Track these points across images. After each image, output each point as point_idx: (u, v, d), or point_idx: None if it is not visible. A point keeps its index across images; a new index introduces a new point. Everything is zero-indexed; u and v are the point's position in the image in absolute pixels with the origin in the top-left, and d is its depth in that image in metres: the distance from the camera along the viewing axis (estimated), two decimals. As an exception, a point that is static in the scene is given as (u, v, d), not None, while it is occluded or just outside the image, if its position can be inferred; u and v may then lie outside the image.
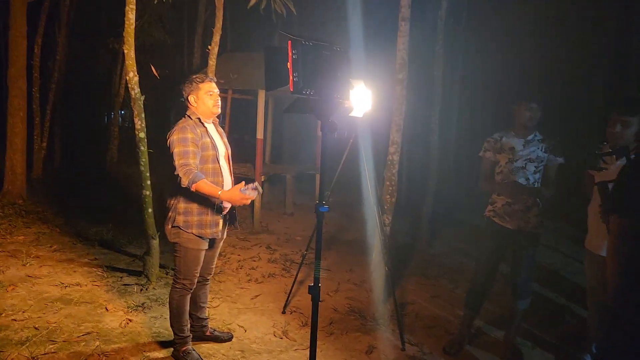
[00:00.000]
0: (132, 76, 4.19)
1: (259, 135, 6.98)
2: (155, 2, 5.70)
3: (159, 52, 12.30)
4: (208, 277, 3.33)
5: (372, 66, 5.96)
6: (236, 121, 11.56)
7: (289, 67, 2.03)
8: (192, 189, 2.79)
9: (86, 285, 4.27)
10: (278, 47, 2.16)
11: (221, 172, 3.01)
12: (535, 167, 3.31)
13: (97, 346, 3.22)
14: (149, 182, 4.33)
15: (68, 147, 11.67)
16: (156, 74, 5.77)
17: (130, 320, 3.63)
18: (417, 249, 6.11)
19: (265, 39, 12.19)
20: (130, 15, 4.16)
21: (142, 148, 4.24)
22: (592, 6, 9.50)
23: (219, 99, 3.08)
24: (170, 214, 3.00)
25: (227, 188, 3.05)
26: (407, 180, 8.96)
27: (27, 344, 3.16)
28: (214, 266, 3.34)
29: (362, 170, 3.74)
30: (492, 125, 9.67)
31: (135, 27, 4.26)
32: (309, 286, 2.25)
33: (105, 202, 7.53)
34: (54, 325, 3.46)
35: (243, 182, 2.80)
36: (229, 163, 3.16)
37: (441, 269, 5.61)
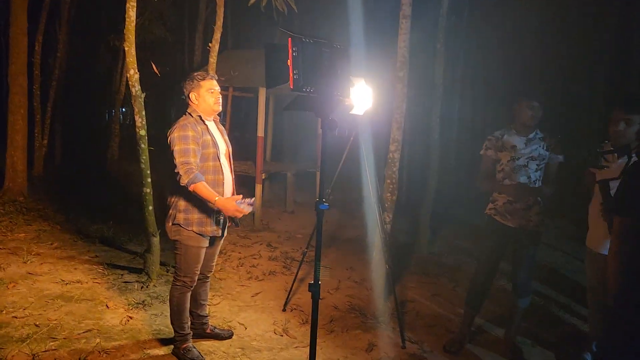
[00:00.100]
0: (133, 74, 4.18)
1: (260, 133, 6.97)
2: (156, -1, 5.70)
3: (159, 50, 12.30)
4: (208, 275, 3.33)
5: (372, 64, 5.95)
6: (237, 119, 11.57)
7: (289, 64, 2.03)
8: (189, 189, 2.80)
9: (87, 282, 4.27)
10: (278, 44, 2.15)
11: (222, 170, 3.01)
12: (537, 165, 3.30)
13: (97, 343, 3.22)
14: (149, 180, 4.33)
15: (69, 144, 11.68)
16: (157, 72, 5.76)
17: (130, 318, 3.64)
18: (417, 247, 6.11)
19: (266, 36, 12.18)
20: (131, 13, 4.16)
21: (142, 145, 4.24)
22: (593, 2, 9.47)
23: (220, 96, 3.08)
24: (170, 211, 3.00)
25: (228, 186, 3.07)
26: (407, 179, 8.95)
27: (28, 341, 3.17)
28: (214, 264, 3.34)
29: (363, 169, 3.73)
30: (493, 123, 9.65)
31: (136, 24, 4.26)
32: (309, 284, 2.25)
33: (106, 200, 7.53)
34: (54, 322, 3.47)
35: (241, 196, 2.87)
36: (230, 161, 3.16)
37: (442, 267, 5.61)
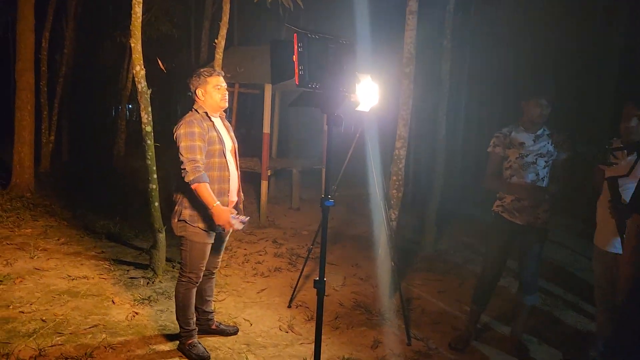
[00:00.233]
0: (139, 70, 4.19)
1: (266, 129, 6.96)
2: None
3: (166, 46, 12.29)
4: (214, 271, 3.34)
5: (379, 60, 5.92)
6: (243, 115, 11.57)
7: (294, 60, 2.02)
8: (191, 187, 2.80)
9: (93, 278, 4.29)
10: (284, 40, 2.14)
11: (228, 167, 3.01)
12: (545, 162, 3.28)
13: (103, 339, 3.24)
14: (155, 176, 4.34)
15: (75, 140, 11.74)
16: (163, 68, 5.76)
17: (136, 313, 3.65)
18: (423, 245, 6.08)
19: (272, 32, 12.16)
20: (137, 9, 4.16)
21: (148, 142, 4.25)
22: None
23: (227, 92, 3.07)
24: (176, 207, 3.00)
25: (234, 182, 3.08)
26: (413, 176, 8.91)
27: (35, 336, 3.19)
28: (220, 260, 3.35)
29: (369, 165, 3.72)
30: (500, 119, 9.58)
31: (142, 20, 4.26)
32: (315, 280, 2.24)
33: (112, 196, 7.56)
34: (61, 317, 3.49)
35: (236, 212, 2.98)
36: (236, 157, 3.15)
37: (448, 264, 5.59)
